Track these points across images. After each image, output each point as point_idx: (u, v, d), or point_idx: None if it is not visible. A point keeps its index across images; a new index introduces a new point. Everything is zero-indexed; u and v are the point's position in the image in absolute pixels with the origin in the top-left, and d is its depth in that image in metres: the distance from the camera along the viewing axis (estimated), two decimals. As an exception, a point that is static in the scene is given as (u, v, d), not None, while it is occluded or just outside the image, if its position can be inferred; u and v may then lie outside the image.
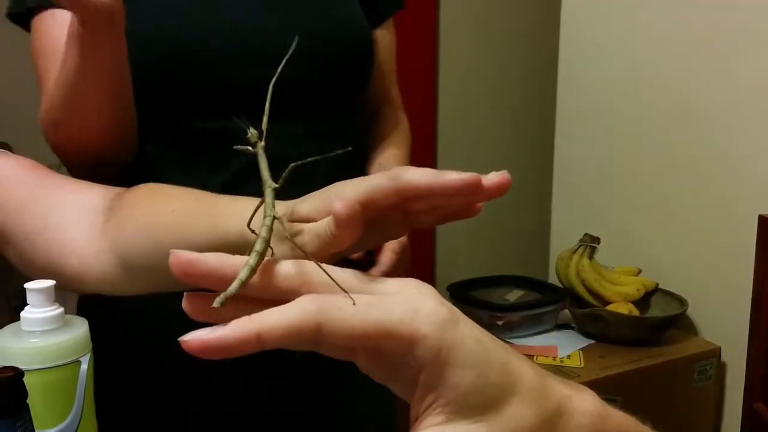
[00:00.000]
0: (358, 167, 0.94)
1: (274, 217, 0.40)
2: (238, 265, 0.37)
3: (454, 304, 0.36)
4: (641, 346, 1.61)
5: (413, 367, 0.34)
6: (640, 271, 1.76)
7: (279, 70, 0.43)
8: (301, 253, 0.40)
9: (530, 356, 1.49)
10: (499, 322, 1.67)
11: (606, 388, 1.35)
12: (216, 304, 0.36)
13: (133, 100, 0.78)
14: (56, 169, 0.70)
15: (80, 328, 0.62)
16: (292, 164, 0.41)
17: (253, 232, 0.41)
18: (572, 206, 2.05)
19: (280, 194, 0.42)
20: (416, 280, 0.37)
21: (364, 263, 0.87)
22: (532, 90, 2.43)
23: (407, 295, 0.36)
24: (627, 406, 0.37)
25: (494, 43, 2.41)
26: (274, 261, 0.38)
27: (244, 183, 0.78)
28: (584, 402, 0.36)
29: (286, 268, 0.37)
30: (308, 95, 0.86)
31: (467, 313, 0.36)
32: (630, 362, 1.55)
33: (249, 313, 0.34)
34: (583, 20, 1.95)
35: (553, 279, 1.86)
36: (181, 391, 0.86)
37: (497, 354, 0.35)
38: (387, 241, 0.50)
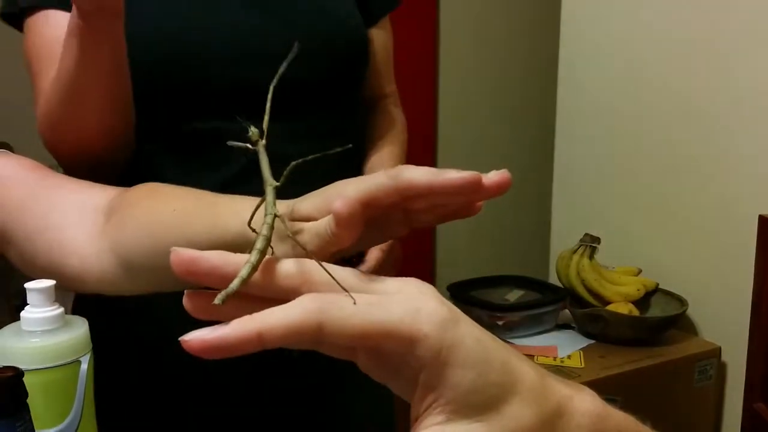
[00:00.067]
0: (358, 166, 0.95)
1: (275, 216, 0.40)
2: (240, 263, 0.37)
3: (454, 303, 0.36)
4: (641, 346, 1.61)
5: (413, 366, 0.34)
6: (640, 271, 1.76)
7: (279, 73, 0.43)
8: (301, 251, 0.40)
9: (530, 356, 1.49)
10: (500, 322, 1.67)
11: (606, 388, 1.34)
12: (217, 301, 0.35)
13: (133, 101, 0.78)
14: (56, 169, 0.70)
15: (80, 328, 0.62)
16: (293, 162, 0.41)
17: (253, 230, 0.41)
18: (572, 206, 2.05)
19: (281, 193, 0.42)
20: (417, 279, 0.37)
21: (351, 261, 0.86)
22: (532, 90, 2.43)
23: (408, 295, 0.36)
24: (627, 406, 0.37)
25: (494, 43, 2.42)
26: (275, 259, 0.38)
27: (244, 183, 0.78)
28: (584, 402, 0.36)
29: (287, 267, 0.37)
30: (308, 95, 0.86)
31: (467, 313, 0.36)
32: (630, 362, 1.55)
33: (250, 312, 0.34)
34: (583, 20, 1.94)
35: (553, 279, 1.86)
36: (181, 391, 0.86)
37: (498, 354, 0.35)
38: (388, 239, 0.50)
